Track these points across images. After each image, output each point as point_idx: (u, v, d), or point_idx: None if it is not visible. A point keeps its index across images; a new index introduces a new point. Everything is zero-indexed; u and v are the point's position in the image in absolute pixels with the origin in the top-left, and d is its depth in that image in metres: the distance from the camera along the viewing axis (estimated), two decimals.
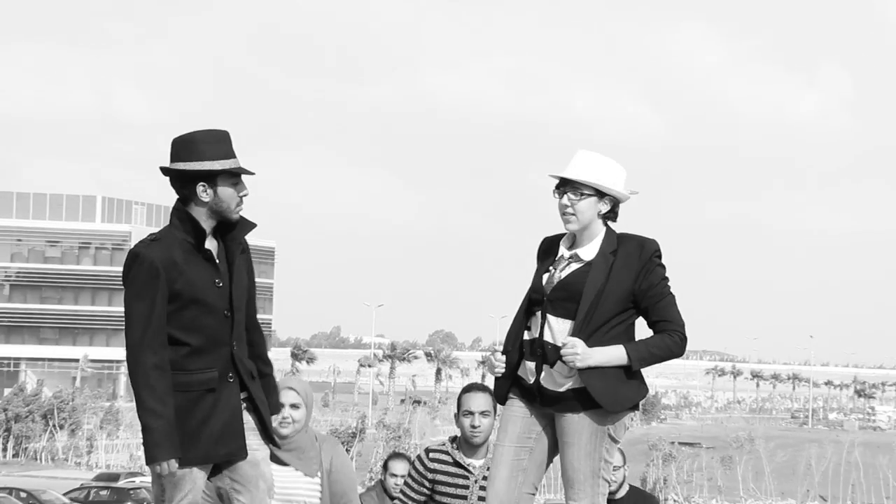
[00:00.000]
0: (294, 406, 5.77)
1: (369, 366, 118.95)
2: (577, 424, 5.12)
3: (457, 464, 6.45)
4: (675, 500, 57.41)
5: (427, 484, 6.48)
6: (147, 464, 4.87)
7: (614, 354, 5.04)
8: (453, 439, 6.55)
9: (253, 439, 5.09)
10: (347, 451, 58.72)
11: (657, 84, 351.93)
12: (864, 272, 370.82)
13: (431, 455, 6.51)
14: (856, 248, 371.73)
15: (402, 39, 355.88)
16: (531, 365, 5.16)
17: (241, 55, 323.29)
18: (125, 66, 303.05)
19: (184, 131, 5.05)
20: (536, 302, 5.16)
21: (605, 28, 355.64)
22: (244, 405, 5.08)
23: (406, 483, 6.60)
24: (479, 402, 6.41)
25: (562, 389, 5.11)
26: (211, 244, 5.06)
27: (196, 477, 4.97)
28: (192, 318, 4.94)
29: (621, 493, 7.17)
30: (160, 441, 4.80)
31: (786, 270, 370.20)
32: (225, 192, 5.02)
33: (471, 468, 6.43)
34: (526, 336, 5.21)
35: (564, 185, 5.14)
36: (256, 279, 5.36)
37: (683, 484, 59.80)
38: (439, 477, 6.45)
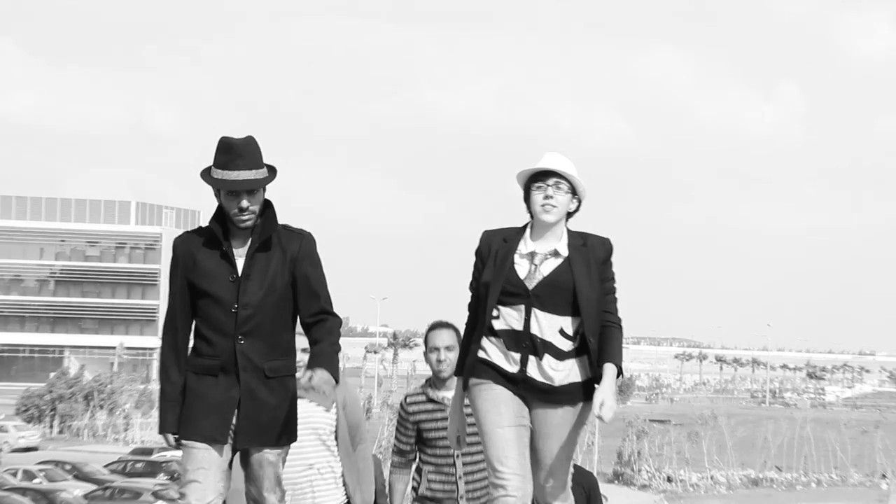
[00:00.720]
0: (305, 350, 5.55)
1: (375, 352, 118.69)
2: (561, 417, 4.82)
3: (431, 400, 6.17)
4: (647, 471, 57.38)
5: (411, 426, 6.25)
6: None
7: (615, 373, 4.79)
8: (428, 379, 6.28)
9: (261, 438, 4.77)
10: None
11: (632, 100, 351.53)
12: (816, 267, 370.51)
13: (409, 399, 6.27)
14: (808, 246, 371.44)
15: (404, 62, 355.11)
16: (516, 355, 4.79)
17: (260, 76, 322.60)
18: (156, 87, 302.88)
19: (207, 145, 4.80)
20: (513, 294, 4.78)
21: (586, 51, 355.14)
22: (248, 400, 4.74)
23: (396, 429, 6.39)
24: (444, 337, 6.13)
25: (555, 384, 4.78)
26: (244, 243, 4.77)
27: (203, 454, 4.71)
28: (203, 307, 4.75)
29: None
30: (163, 417, 4.76)
31: (746, 266, 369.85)
32: (223, 199, 4.74)
33: (444, 401, 6.12)
34: (497, 325, 4.82)
35: (546, 179, 4.84)
36: None
37: (655, 457, 59.70)
38: (420, 416, 6.20)
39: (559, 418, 4.81)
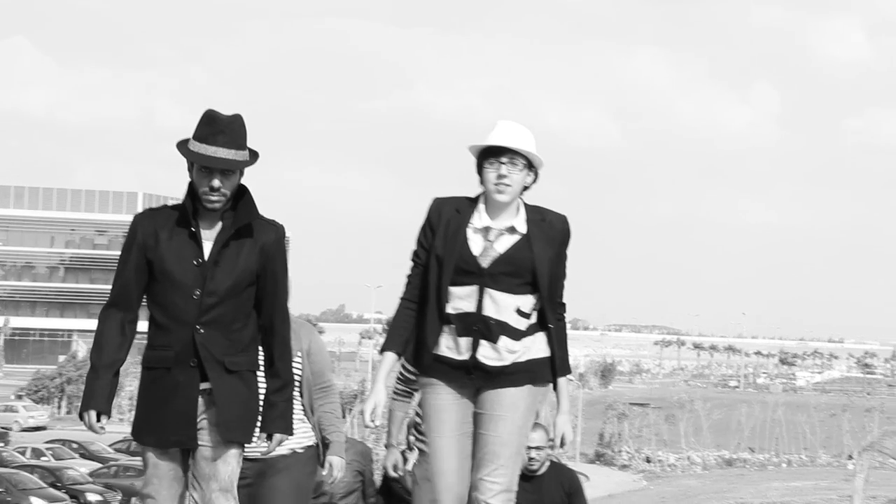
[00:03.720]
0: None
1: (369, 338, 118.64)
2: (513, 397, 4.24)
3: None
4: (627, 452, 57.42)
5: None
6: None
7: (567, 388, 4.39)
8: None
9: (217, 435, 4.15)
10: (350, 409, 58.21)
11: (617, 100, 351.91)
12: (788, 260, 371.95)
13: None
14: (781, 239, 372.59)
15: (402, 63, 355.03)
16: (466, 340, 4.23)
17: (265, 74, 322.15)
18: (164, 83, 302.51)
19: None
20: (465, 273, 4.21)
21: (573, 53, 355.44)
22: (207, 396, 4.14)
23: (398, 380, 5.90)
24: None
25: (507, 363, 4.24)
26: (213, 226, 4.16)
27: (155, 470, 4.17)
28: (159, 292, 4.14)
29: (542, 470, 6.30)
30: (85, 393, 4.16)
31: (723, 257, 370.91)
32: (195, 175, 4.11)
33: None
34: (445, 309, 4.23)
35: (499, 155, 4.24)
36: None
37: (635, 438, 59.79)
38: None
39: (511, 398, 4.24)
